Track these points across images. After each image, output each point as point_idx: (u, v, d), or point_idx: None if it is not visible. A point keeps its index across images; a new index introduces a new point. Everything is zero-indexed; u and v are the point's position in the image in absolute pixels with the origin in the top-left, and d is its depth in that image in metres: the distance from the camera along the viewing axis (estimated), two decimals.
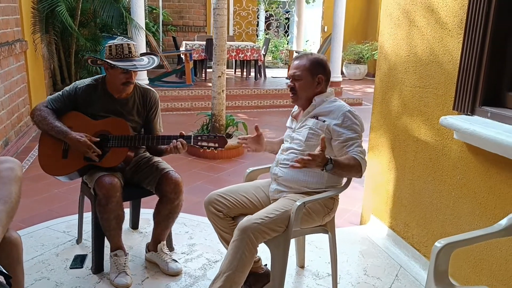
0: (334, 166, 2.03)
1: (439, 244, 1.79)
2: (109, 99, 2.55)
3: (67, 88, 2.59)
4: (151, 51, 8.81)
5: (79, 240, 2.91)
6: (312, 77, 2.30)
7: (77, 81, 2.61)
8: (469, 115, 2.27)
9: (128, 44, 2.49)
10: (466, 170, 2.36)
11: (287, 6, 14.23)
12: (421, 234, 2.74)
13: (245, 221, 2.06)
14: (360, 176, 2.20)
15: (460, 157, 2.40)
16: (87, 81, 2.59)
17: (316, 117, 2.29)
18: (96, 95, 2.55)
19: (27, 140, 5.44)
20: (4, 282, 1.44)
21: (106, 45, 2.50)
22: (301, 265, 2.75)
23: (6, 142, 4.83)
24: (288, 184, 2.31)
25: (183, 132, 2.46)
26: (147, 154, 2.74)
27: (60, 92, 2.59)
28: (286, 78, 9.76)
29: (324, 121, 2.24)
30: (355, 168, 2.13)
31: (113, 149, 2.47)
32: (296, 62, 2.33)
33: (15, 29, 5.44)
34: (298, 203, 2.12)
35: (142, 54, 2.62)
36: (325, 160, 2.00)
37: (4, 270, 1.47)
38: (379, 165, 3.16)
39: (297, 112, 2.45)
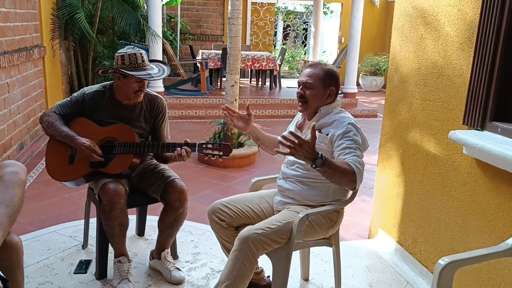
0: (325, 164, 1.91)
1: (442, 261, 1.75)
2: (117, 105, 2.57)
3: (75, 94, 2.62)
4: (167, 59, 8.90)
5: (84, 245, 2.92)
6: (324, 88, 2.26)
7: (85, 87, 2.64)
8: (479, 130, 2.22)
9: (141, 53, 2.51)
10: (475, 186, 2.30)
11: (304, 17, 14.24)
12: (429, 250, 2.68)
13: (245, 231, 2.04)
14: (354, 187, 2.08)
15: (469, 173, 2.35)
16: (95, 87, 2.62)
17: (319, 130, 2.23)
18: (104, 101, 2.57)
19: (42, 144, 5.52)
20: (2, 286, 1.45)
21: (117, 54, 2.51)
22: (305, 278, 2.71)
23: (21, 145, 4.90)
24: (293, 197, 2.28)
25: (188, 140, 2.46)
26: (154, 161, 2.75)
27: (68, 98, 2.62)
28: None
29: (327, 134, 2.20)
30: (349, 175, 2.00)
31: (119, 155, 2.48)
32: (309, 70, 2.28)
33: (33, 35, 5.56)
34: (301, 215, 2.09)
35: (150, 61, 2.63)
36: (315, 153, 1.90)
37: (1, 273, 1.48)
38: (388, 178, 3.11)
39: (302, 122, 2.41)
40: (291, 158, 2.32)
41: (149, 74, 2.49)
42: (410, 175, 2.87)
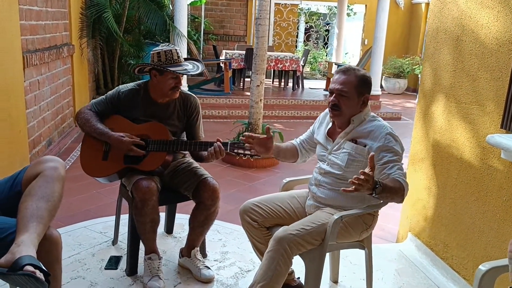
0: (383, 190, 1.90)
1: (483, 267, 1.72)
2: (151, 103, 2.59)
3: (110, 92, 2.65)
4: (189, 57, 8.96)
5: (115, 241, 2.95)
6: (359, 96, 2.18)
7: (120, 86, 2.67)
8: None
9: (176, 50, 2.53)
10: None
11: (327, 18, 14.18)
12: (462, 255, 2.63)
13: (281, 231, 2.04)
14: (402, 201, 2.08)
15: (507, 178, 2.30)
16: (130, 85, 2.64)
17: (354, 140, 2.18)
18: (138, 99, 2.59)
19: (69, 141, 5.60)
20: (43, 279, 1.47)
21: (152, 52, 2.53)
22: (334, 280, 2.69)
23: (50, 142, 4.99)
24: (327, 203, 2.24)
25: (220, 139, 2.46)
26: (186, 159, 2.76)
27: (103, 96, 2.65)
28: (325, 90, 9.70)
29: (364, 145, 2.13)
30: (400, 192, 2.01)
31: (152, 153, 2.50)
32: (342, 77, 2.17)
33: (63, 34, 5.65)
34: (335, 217, 2.07)
35: (185, 59, 2.65)
36: (374, 182, 1.87)
37: (43, 267, 1.50)
38: (419, 181, 3.07)
39: (332, 129, 2.31)
40: (324, 166, 2.27)
41: (185, 69, 2.51)
42: (442, 178, 2.82)
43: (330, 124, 2.33)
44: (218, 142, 2.42)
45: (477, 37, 2.53)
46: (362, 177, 1.81)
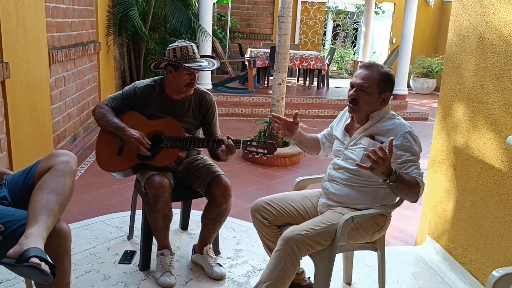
0: (397, 179, 1.89)
1: (497, 273, 1.65)
2: (166, 100, 2.61)
3: (127, 87, 2.68)
4: (216, 56, 9.00)
5: (130, 236, 2.99)
6: (379, 93, 2.14)
7: (136, 81, 2.69)
8: None
9: (192, 46, 2.54)
10: None
11: (355, 16, 14.01)
12: (481, 260, 2.55)
13: (289, 231, 2.01)
14: (416, 200, 2.03)
15: None
16: (146, 81, 2.67)
17: (372, 136, 2.15)
18: (154, 96, 2.61)
19: (94, 137, 5.71)
20: (49, 271, 1.49)
21: (169, 48, 2.55)
22: (347, 282, 2.65)
23: (75, 137, 5.10)
24: (339, 200, 2.21)
25: (231, 136, 2.45)
26: (200, 156, 2.77)
27: (120, 92, 2.69)
28: None
29: (382, 143, 2.08)
30: (414, 189, 1.98)
31: (165, 149, 2.51)
32: (364, 72, 2.15)
33: (90, 31, 5.76)
34: (346, 217, 2.04)
35: (201, 57, 2.65)
36: (390, 169, 1.86)
37: (49, 260, 1.52)
38: (438, 183, 2.99)
39: (350, 124, 2.30)
40: (339, 161, 2.25)
41: (200, 65, 2.52)
42: (462, 181, 2.74)
43: (349, 120, 2.31)
44: (229, 140, 2.41)
45: (501, 34, 2.44)
46: (379, 153, 1.80)
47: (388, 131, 2.13)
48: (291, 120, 2.31)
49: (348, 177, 2.18)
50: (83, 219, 3.32)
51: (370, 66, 2.18)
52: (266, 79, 9.39)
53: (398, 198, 2.22)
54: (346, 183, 2.19)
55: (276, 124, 2.31)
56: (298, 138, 2.40)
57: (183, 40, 2.63)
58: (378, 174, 1.88)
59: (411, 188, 1.98)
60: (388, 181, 1.89)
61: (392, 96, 2.30)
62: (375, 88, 2.13)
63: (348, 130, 2.29)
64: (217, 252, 2.84)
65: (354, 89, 2.17)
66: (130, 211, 2.99)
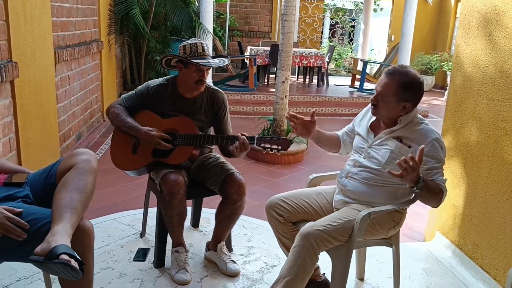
0: (425, 187, 1.93)
1: None
2: (178, 98, 2.62)
3: (139, 87, 2.69)
4: (217, 54, 9.01)
5: (142, 234, 3.00)
6: (398, 102, 2.10)
7: (149, 81, 2.71)
8: None
9: (202, 43, 2.56)
10: None
11: (353, 14, 14.04)
12: (493, 256, 2.58)
13: (307, 227, 2.04)
14: (437, 206, 2.08)
15: None
16: (158, 81, 2.68)
17: (400, 139, 2.15)
18: (166, 94, 2.63)
19: (97, 135, 5.71)
20: (78, 267, 1.51)
21: (180, 45, 2.57)
22: (360, 277, 2.67)
23: (79, 136, 5.10)
24: (356, 197, 2.23)
25: (245, 133, 2.46)
26: (213, 154, 2.79)
27: (133, 91, 2.70)
28: (350, 86, 9.63)
29: (409, 146, 2.10)
30: (438, 197, 2.02)
31: (179, 147, 2.53)
32: (384, 80, 2.12)
33: (92, 30, 5.76)
34: (363, 213, 2.06)
35: (213, 57, 2.67)
36: (418, 176, 1.90)
37: (78, 257, 1.54)
38: (448, 180, 3.00)
39: (376, 123, 2.28)
40: (361, 159, 2.25)
41: (208, 62, 2.53)
42: (473, 177, 2.77)
43: (374, 118, 2.29)
44: (243, 136, 2.42)
45: (511, 31, 2.47)
46: (410, 162, 1.83)
47: (416, 136, 2.13)
48: (309, 119, 2.31)
49: (370, 176, 2.19)
50: (93, 217, 3.32)
51: (391, 73, 2.12)
52: (266, 77, 9.40)
53: (413, 195, 2.24)
54: (366, 181, 2.20)
55: (291, 123, 2.33)
56: (316, 136, 2.41)
57: (194, 38, 2.65)
58: (407, 181, 1.92)
59: (435, 197, 2.02)
60: (415, 188, 1.93)
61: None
62: (392, 97, 2.10)
63: (373, 128, 2.28)
64: (229, 249, 2.85)
65: (375, 94, 2.17)
66: (139, 209, 3.00)
